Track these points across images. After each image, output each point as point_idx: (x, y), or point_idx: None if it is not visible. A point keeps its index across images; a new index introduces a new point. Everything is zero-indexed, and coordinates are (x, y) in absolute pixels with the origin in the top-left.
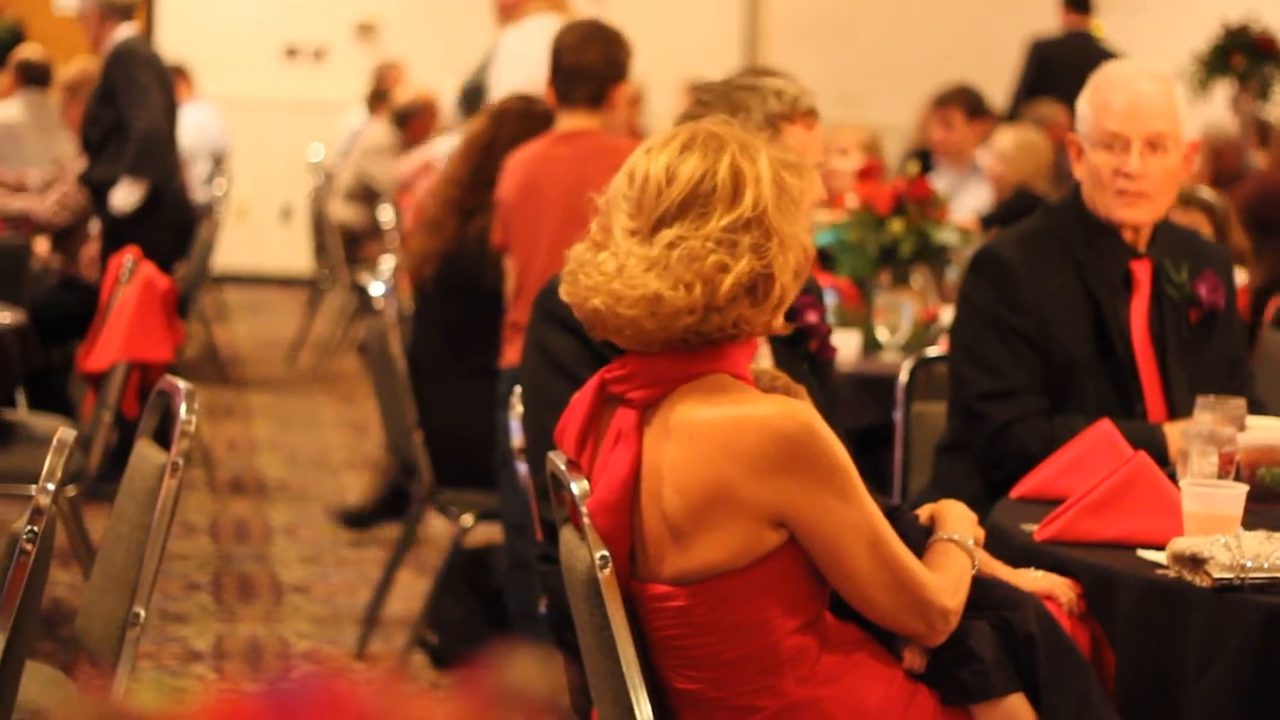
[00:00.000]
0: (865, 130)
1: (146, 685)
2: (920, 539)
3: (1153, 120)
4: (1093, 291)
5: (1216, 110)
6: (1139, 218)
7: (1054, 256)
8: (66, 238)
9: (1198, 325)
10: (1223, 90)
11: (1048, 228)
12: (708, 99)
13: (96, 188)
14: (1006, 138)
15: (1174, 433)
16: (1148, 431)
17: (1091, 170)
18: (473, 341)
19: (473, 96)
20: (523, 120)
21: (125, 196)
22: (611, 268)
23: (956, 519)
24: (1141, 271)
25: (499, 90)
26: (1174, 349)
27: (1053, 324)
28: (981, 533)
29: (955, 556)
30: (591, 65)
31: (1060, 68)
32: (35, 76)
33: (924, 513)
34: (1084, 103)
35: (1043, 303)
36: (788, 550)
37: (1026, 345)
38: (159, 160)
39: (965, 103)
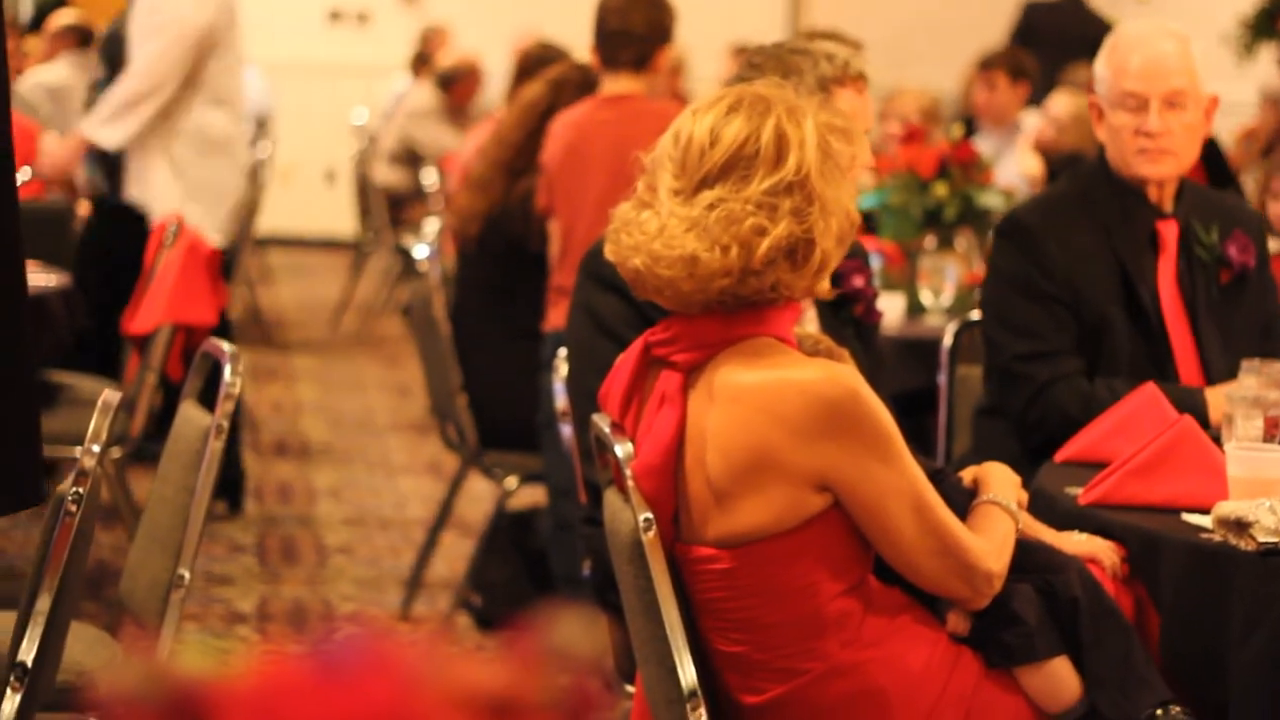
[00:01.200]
0: (926, 95)
1: (191, 646)
2: (964, 502)
3: (1170, 78)
4: (1119, 252)
5: (1263, 71)
6: (1163, 173)
7: (1079, 219)
8: None
9: (1228, 286)
10: (1268, 53)
11: (1073, 191)
12: (759, 62)
13: None
14: (1062, 105)
15: (1215, 396)
16: (1188, 395)
17: (1113, 131)
18: (516, 303)
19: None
20: (581, 90)
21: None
22: (653, 227)
23: (1000, 482)
24: (1168, 232)
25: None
26: (1204, 309)
27: (1081, 285)
28: (1025, 495)
29: (999, 520)
30: (636, 29)
31: (1046, 33)
32: (79, 39)
33: (967, 475)
34: (1101, 64)
35: (1070, 264)
36: (831, 514)
37: (1059, 306)
38: None
39: (1009, 66)
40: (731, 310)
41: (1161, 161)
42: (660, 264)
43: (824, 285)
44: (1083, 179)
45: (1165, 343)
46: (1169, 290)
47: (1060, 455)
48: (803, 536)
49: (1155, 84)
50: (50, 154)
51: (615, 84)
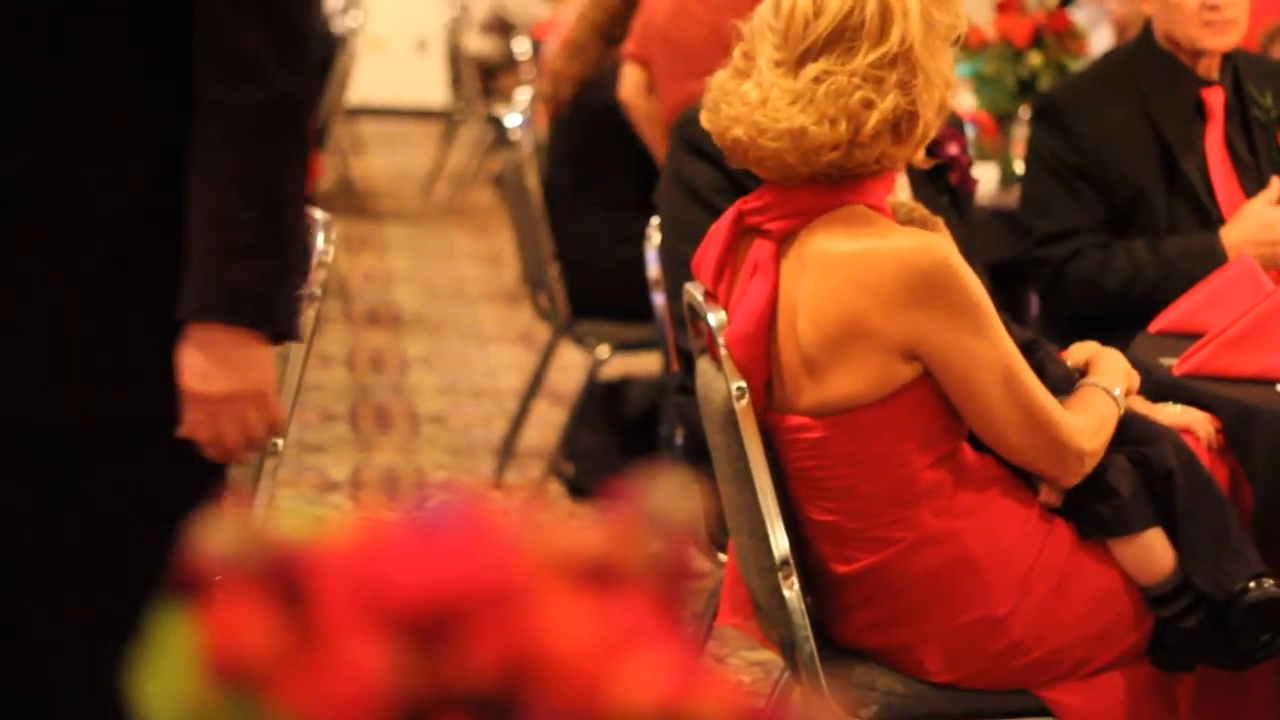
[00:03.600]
0: None
1: (287, 512)
2: (1062, 373)
3: None
4: (1159, 125)
5: None
6: (1228, 43)
7: (1116, 92)
8: None
9: None
10: None
11: (1112, 65)
12: None
13: None
14: None
15: (1230, 236)
16: (1202, 242)
17: (1170, 5)
18: (608, 171)
19: None
20: None
21: None
22: (755, 98)
23: (1110, 368)
24: (1214, 100)
25: None
26: (1269, 169)
27: (1113, 160)
28: (1136, 382)
29: (1099, 401)
30: None
31: None
32: None
33: (1080, 354)
34: None
35: (1101, 140)
36: (923, 384)
37: (1087, 185)
38: None
39: None
40: (835, 181)
41: (1227, 32)
42: (765, 136)
43: (921, 154)
44: (1123, 53)
45: (1215, 209)
46: (1218, 158)
47: (1154, 326)
48: (894, 406)
49: None
50: None
51: None
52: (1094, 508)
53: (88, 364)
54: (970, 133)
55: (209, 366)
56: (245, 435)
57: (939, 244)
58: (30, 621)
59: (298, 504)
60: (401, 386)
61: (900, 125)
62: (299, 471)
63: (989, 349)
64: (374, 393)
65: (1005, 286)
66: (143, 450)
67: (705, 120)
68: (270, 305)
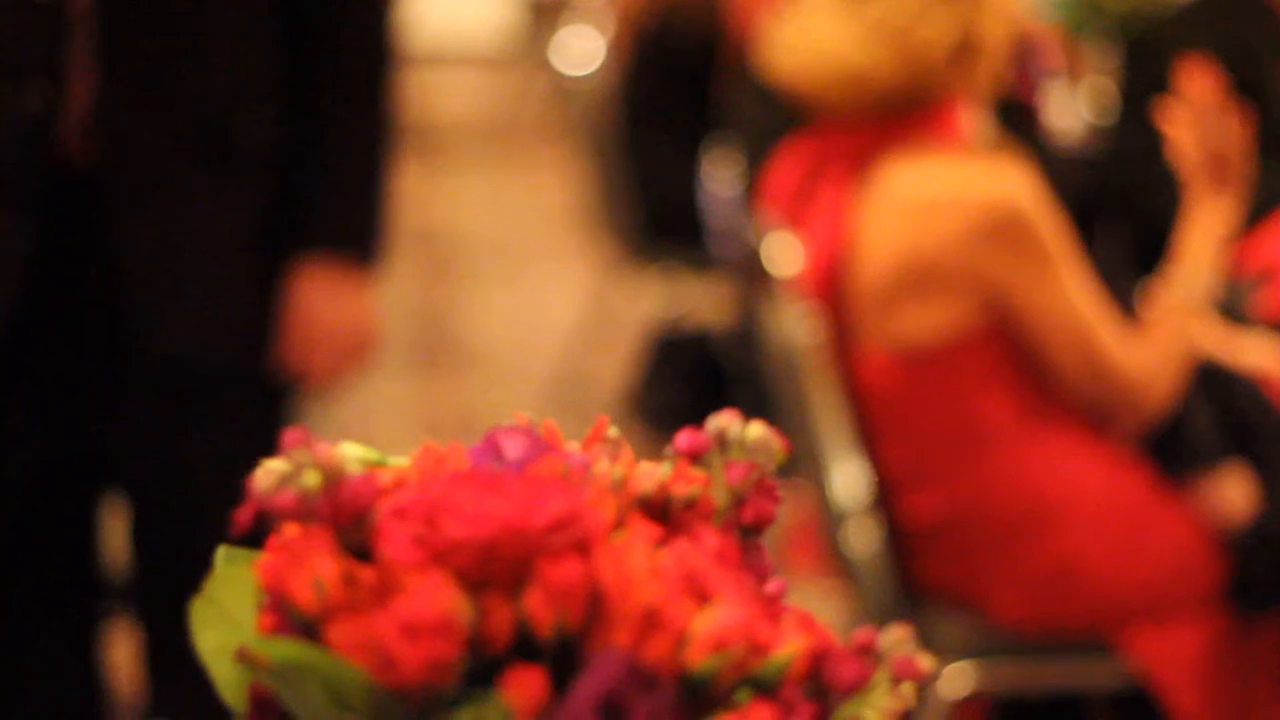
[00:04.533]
0: None
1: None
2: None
3: None
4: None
5: None
6: None
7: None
8: None
9: None
10: None
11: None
12: None
13: None
14: None
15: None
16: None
17: None
18: (683, 105)
19: None
20: None
21: None
22: (816, 36)
23: (1192, 265)
24: None
25: None
26: None
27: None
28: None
29: (1173, 336)
30: None
31: None
32: None
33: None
34: None
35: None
36: (996, 328)
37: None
38: None
39: None
40: (900, 114)
41: None
42: (827, 71)
43: (992, 86)
44: None
45: None
46: None
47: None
48: (967, 349)
49: None
50: None
51: None
52: (1171, 443)
53: (235, 305)
54: (1044, 57)
55: (324, 296)
56: (343, 366)
57: (1014, 188)
58: (165, 558)
59: (363, 443)
60: (474, 321)
61: (964, 58)
62: (366, 409)
63: (1061, 296)
64: (440, 330)
65: (1087, 219)
66: (251, 387)
67: (766, 58)
68: (380, 240)
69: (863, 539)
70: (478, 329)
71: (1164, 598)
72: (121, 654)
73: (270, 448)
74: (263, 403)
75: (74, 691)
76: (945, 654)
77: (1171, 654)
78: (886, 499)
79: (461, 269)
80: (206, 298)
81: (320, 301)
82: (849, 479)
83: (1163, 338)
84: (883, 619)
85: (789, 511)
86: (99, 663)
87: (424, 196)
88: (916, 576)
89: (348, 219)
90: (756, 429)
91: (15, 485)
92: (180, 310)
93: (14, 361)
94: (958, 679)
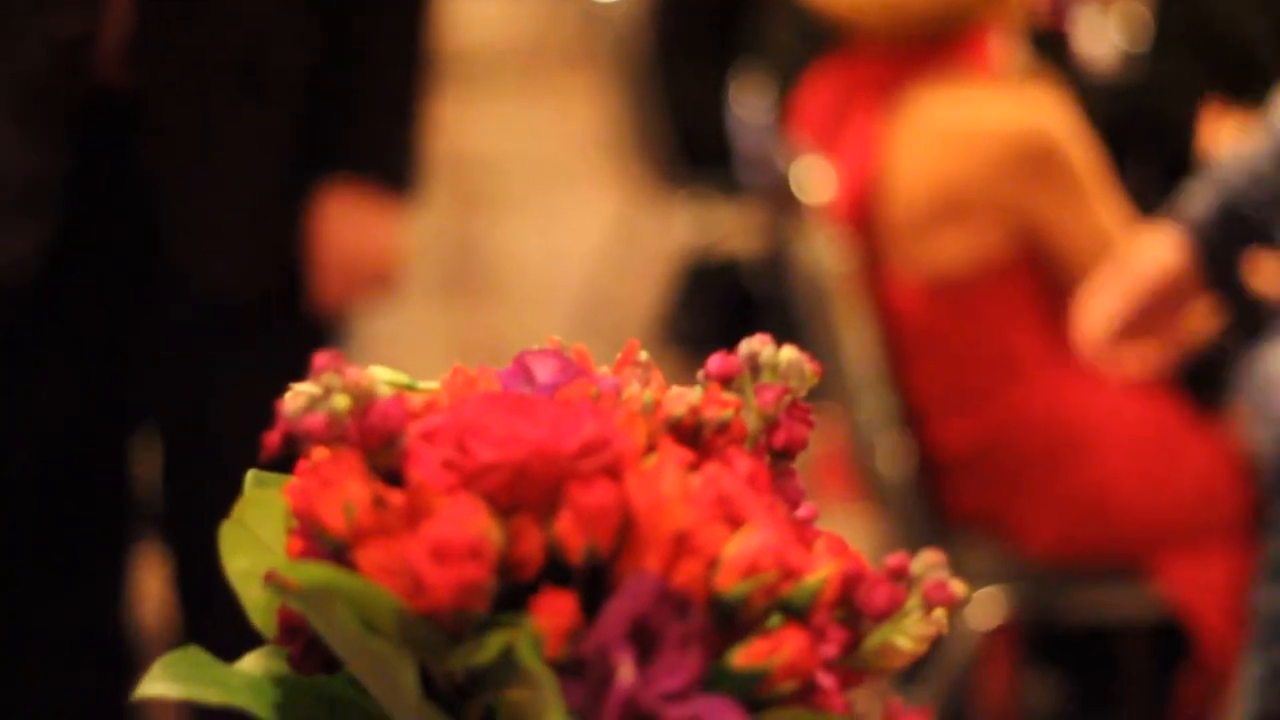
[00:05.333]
0: None
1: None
2: None
3: None
4: None
5: None
6: None
7: None
8: None
9: None
10: None
11: None
12: None
13: None
14: None
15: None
16: None
17: None
18: (719, 30)
19: None
20: None
21: None
22: None
23: None
24: None
25: None
26: None
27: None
28: None
29: None
30: None
31: None
32: None
33: None
34: None
35: None
36: (1028, 257)
37: None
38: None
39: None
40: (932, 41)
41: None
42: None
43: (1024, 13)
44: None
45: None
46: None
47: None
48: (998, 277)
49: None
50: None
51: None
52: (1203, 374)
53: (269, 231)
54: None
55: (349, 220)
56: (361, 292)
57: (1046, 117)
58: (204, 484)
59: (393, 367)
60: (503, 247)
61: None
62: (395, 336)
63: (1094, 225)
64: (470, 256)
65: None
66: (284, 316)
67: None
68: (412, 167)
69: (893, 466)
70: (507, 255)
71: (1194, 526)
72: (153, 585)
73: (301, 377)
74: (295, 332)
75: (105, 622)
76: (975, 582)
77: (1201, 581)
78: (917, 426)
79: (491, 195)
80: (242, 223)
81: (345, 225)
82: (879, 406)
83: None
84: (913, 546)
85: (819, 438)
86: (129, 594)
87: (454, 122)
88: (946, 504)
89: (379, 144)
90: (788, 353)
91: (50, 416)
92: (216, 235)
93: (51, 289)
94: (987, 607)
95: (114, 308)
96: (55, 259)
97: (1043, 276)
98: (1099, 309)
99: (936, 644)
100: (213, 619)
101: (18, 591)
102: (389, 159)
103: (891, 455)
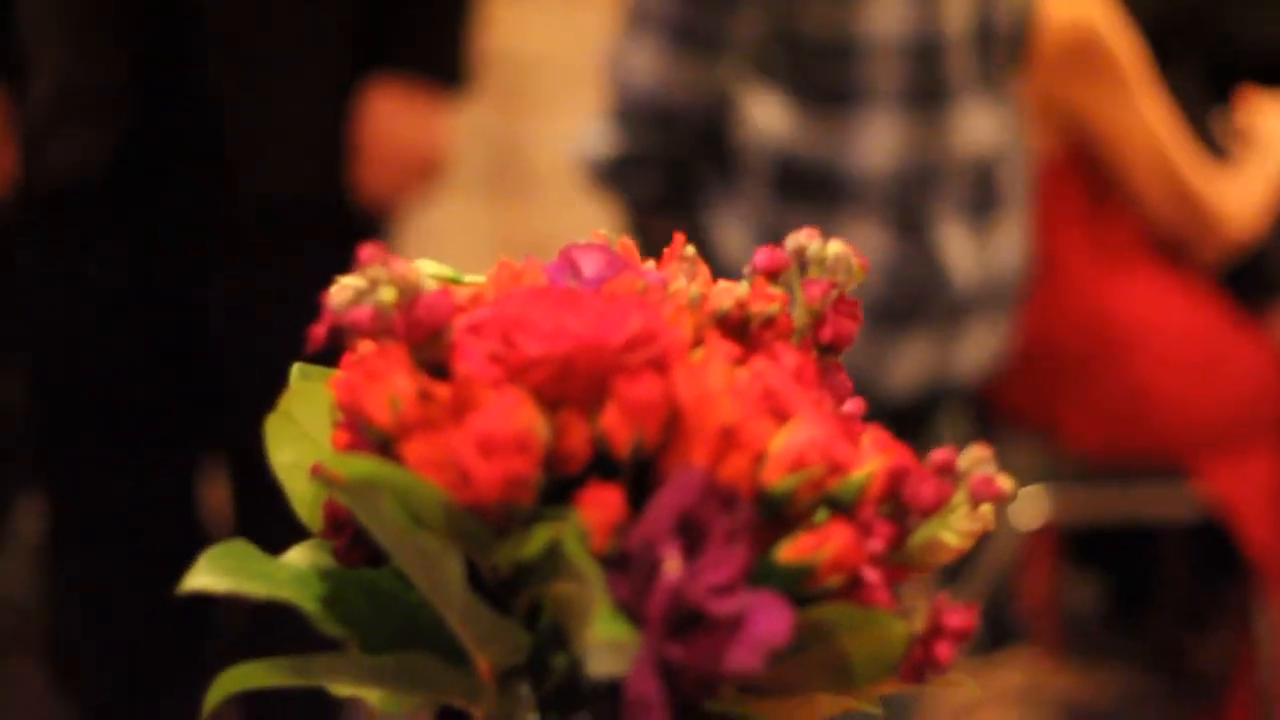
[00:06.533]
0: None
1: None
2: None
3: None
4: None
5: None
6: None
7: None
8: None
9: None
10: None
11: None
12: None
13: None
14: None
15: None
16: None
17: None
18: None
19: None
20: None
21: None
22: None
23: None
24: None
25: None
26: None
27: None
28: None
29: (1261, 167)
30: None
31: None
32: None
33: (1251, 115)
34: None
35: None
36: (1075, 154)
37: None
38: None
39: None
40: None
41: None
42: None
43: None
44: None
45: None
46: None
47: None
48: (1046, 175)
49: None
50: None
51: None
52: (1248, 275)
53: (326, 137)
54: None
55: (395, 116)
56: (405, 188)
57: (1090, 10)
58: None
59: (438, 260)
60: (541, 147)
61: None
62: (437, 233)
63: (1140, 120)
64: (513, 153)
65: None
66: (337, 225)
67: None
68: (461, 65)
69: None
70: (550, 152)
71: (1238, 427)
72: (215, 497)
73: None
74: (344, 232)
75: (177, 529)
76: (1017, 481)
77: (1244, 483)
78: None
79: (533, 92)
80: (296, 122)
81: (394, 120)
82: None
83: (1247, 170)
84: (956, 445)
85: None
86: (198, 504)
87: (502, 22)
88: (990, 403)
89: (430, 41)
90: (836, 247)
91: (114, 330)
92: (269, 135)
93: (119, 194)
94: (1029, 506)
95: (179, 211)
96: (122, 165)
97: (1088, 174)
98: (1245, 191)
99: (979, 543)
100: (269, 533)
101: (91, 467)
102: (439, 55)
103: None
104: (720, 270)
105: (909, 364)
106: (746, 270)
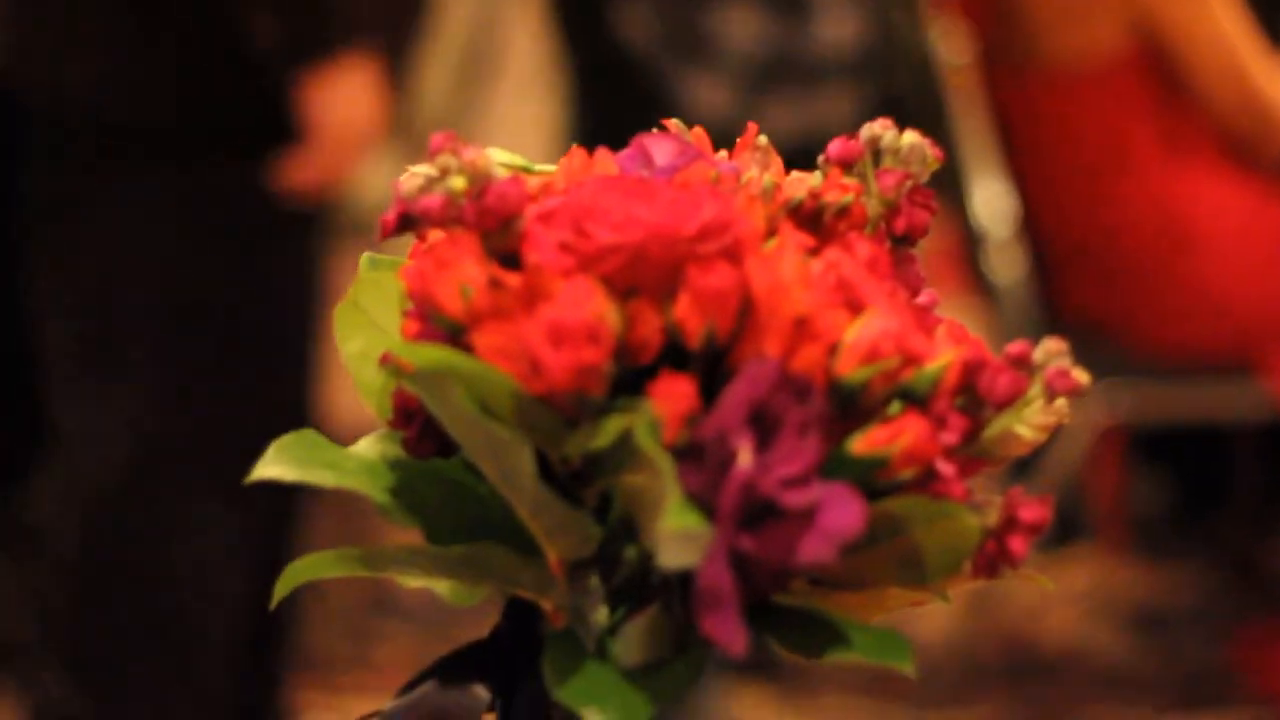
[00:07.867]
0: None
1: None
2: None
3: None
4: None
5: None
6: None
7: None
8: None
9: None
10: None
11: None
12: None
13: None
14: None
15: None
16: None
17: None
18: None
19: None
20: None
21: None
22: None
23: None
24: None
25: None
26: None
27: None
28: None
29: None
30: None
31: None
32: None
33: None
34: None
35: None
36: (1144, 52)
37: None
38: None
39: None
40: None
41: None
42: None
43: None
44: None
45: None
46: None
47: None
48: (1116, 75)
49: None
50: None
51: None
52: None
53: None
54: None
55: (343, 100)
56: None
57: None
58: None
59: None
60: None
61: None
62: (506, 119)
63: (1210, 21)
64: None
65: None
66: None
67: None
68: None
69: (1004, 262)
70: None
71: None
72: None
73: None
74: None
75: None
76: (1093, 380)
77: None
78: (1029, 223)
79: None
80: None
81: (334, 110)
82: (992, 201)
83: None
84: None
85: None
86: None
87: None
88: (1057, 302)
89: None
90: (910, 137)
91: None
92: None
93: None
94: (1098, 404)
95: None
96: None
97: (1159, 74)
98: None
99: (1049, 439)
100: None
101: None
102: (343, 23)
103: (1003, 252)
104: None
105: None
106: (821, 160)
